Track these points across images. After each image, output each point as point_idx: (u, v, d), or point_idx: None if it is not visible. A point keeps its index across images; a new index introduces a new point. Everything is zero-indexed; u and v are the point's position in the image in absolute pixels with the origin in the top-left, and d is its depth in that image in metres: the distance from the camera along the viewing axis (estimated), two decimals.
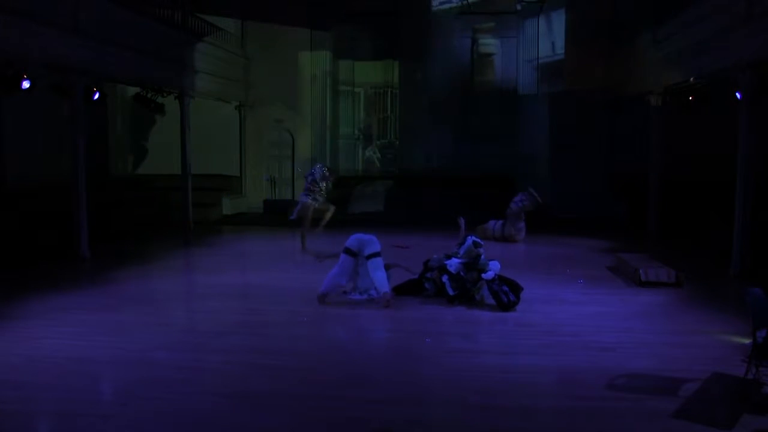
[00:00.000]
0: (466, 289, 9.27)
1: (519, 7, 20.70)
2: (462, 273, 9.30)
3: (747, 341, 6.51)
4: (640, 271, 10.49)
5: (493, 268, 9.26)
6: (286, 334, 7.80)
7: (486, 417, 5.48)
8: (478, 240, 9.73)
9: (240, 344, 7.00)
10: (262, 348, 7.24)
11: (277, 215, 18.33)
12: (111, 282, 10.90)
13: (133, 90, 16.57)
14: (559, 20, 20.19)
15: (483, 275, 9.21)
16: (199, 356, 6.98)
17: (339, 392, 6.04)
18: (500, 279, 9.16)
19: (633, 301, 9.63)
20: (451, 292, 9.23)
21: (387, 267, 9.50)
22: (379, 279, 9.12)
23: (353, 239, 9.34)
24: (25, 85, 11.59)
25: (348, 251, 9.23)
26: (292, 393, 5.94)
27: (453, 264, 9.37)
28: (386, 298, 9.05)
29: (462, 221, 10.69)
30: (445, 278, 9.34)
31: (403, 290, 9.71)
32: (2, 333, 7.69)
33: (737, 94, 11.86)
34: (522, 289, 9.16)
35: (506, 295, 8.98)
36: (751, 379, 5.86)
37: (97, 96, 14.15)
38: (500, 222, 15.52)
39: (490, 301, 9.16)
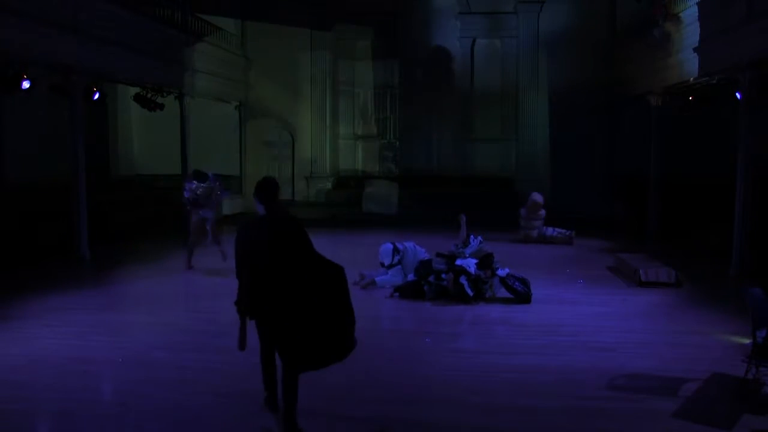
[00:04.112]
0: (481, 289, 9.49)
1: (519, 7, 20.67)
2: (481, 273, 9.54)
3: (747, 341, 6.51)
4: (640, 271, 10.50)
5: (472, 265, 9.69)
6: None
7: (486, 417, 5.48)
8: (482, 239, 10.36)
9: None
10: None
11: None
12: (111, 282, 10.91)
13: (133, 90, 16.57)
14: (558, 20, 20.16)
15: (498, 272, 9.63)
16: (199, 356, 6.98)
17: (339, 392, 6.04)
18: (511, 276, 9.62)
19: (633, 301, 9.64)
20: (470, 293, 9.35)
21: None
22: (380, 279, 10.36)
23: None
24: (25, 85, 11.61)
25: (381, 264, 10.56)
26: None
27: (470, 265, 9.61)
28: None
29: (463, 219, 10.78)
30: (463, 279, 9.43)
31: (403, 293, 9.74)
32: (2, 333, 7.70)
33: (737, 94, 11.87)
34: (530, 282, 9.57)
35: (521, 288, 9.43)
36: (751, 379, 5.86)
37: (97, 96, 14.16)
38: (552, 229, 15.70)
39: (502, 294, 9.48)
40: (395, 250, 10.42)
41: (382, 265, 10.51)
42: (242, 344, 5.07)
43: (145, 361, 6.76)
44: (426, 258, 10.31)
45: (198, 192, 11.49)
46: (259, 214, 5.06)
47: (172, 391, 5.97)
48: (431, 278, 9.69)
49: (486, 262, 9.75)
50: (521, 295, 9.37)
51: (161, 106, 16.21)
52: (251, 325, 5.14)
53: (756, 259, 11.20)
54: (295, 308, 4.78)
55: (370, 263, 11.13)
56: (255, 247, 4.89)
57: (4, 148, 14.24)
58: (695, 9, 13.15)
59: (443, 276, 9.63)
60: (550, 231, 15.54)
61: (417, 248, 10.60)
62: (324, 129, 21.66)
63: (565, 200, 19.05)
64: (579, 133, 19.66)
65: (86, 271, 12.02)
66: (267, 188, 5.03)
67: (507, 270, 9.79)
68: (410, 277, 10.09)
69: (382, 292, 9.95)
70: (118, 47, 13.47)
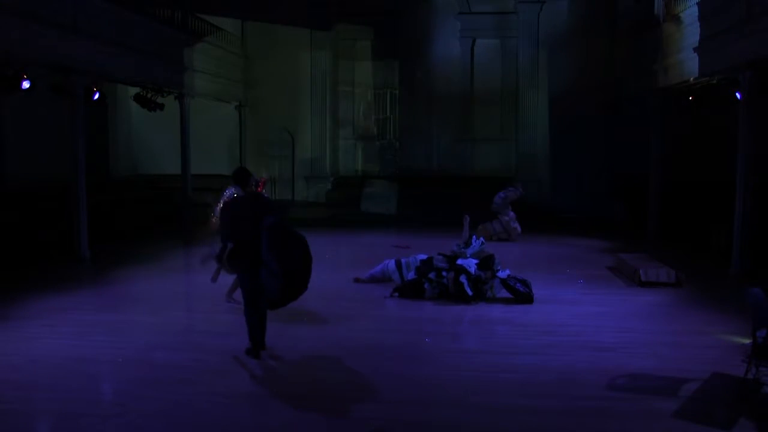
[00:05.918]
0: (481, 289, 9.49)
1: (519, 7, 20.67)
2: (481, 274, 9.55)
3: (747, 341, 6.52)
4: (640, 271, 10.49)
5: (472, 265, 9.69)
6: (285, 334, 7.78)
7: (486, 417, 5.48)
8: (484, 240, 10.39)
9: (239, 344, 6.99)
10: None
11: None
12: (111, 282, 10.91)
13: (133, 90, 16.56)
14: (558, 20, 20.16)
15: (498, 273, 9.63)
16: (199, 356, 6.98)
17: (339, 392, 6.04)
18: (512, 277, 9.64)
19: (633, 301, 9.64)
20: (470, 293, 9.36)
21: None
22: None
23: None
24: (25, 85, 11.60)
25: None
26: (291, 393, 5.95)
27: (471, 265, 9.62)
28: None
29: (467, 220, 10.78)
30: (463, 278, 9.44)
31: (403, 292, 9.74)
32: (2, 333, 7.70)
33: (737, 94, 11.86)
34: (531, 284, 9.56)
35: (523, 289, 9.45)
36: (751, 379, 5.86)
37: (97, 96, 14.15)
38: (495, 222, 15.88)
39: (502, 294, 9.49)
40: (398, 265, 10.40)
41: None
42: (215, 278, 7.45)
43: (145, 361, 6.76)
44: (426, 257, 10.31)
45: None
46: (238, 195, 7.36)
47: (172, 391, 5.97)
48: (432, 275, 9.69)
49: (486, 263, 9.76)
50: (523, 296, 9.38)
51: (161, 106, 16.20)
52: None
53: (756, 259, 11.20)
54: (270, 259, 6.33)
55: (370, 263, 11.13)
56: (241, 214, 6.65)
57: (4, 148, 14.23)
58: (695, 9, 13.15)
59: (444, 274, 9.64)
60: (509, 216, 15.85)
61: (417, 256, 10.59)
62: (324, 129, 21.64)
63: (565, 200, 19.06)
64: (579, 133, 19.63)
65: (86, 271, 12.01)
66: (241, 175, 7.36)
67: (508, 272, 9.79)
68: (411, 275, 10.07)
69: (382, 292, 9.94)
70: (118, 47, 13.46)
